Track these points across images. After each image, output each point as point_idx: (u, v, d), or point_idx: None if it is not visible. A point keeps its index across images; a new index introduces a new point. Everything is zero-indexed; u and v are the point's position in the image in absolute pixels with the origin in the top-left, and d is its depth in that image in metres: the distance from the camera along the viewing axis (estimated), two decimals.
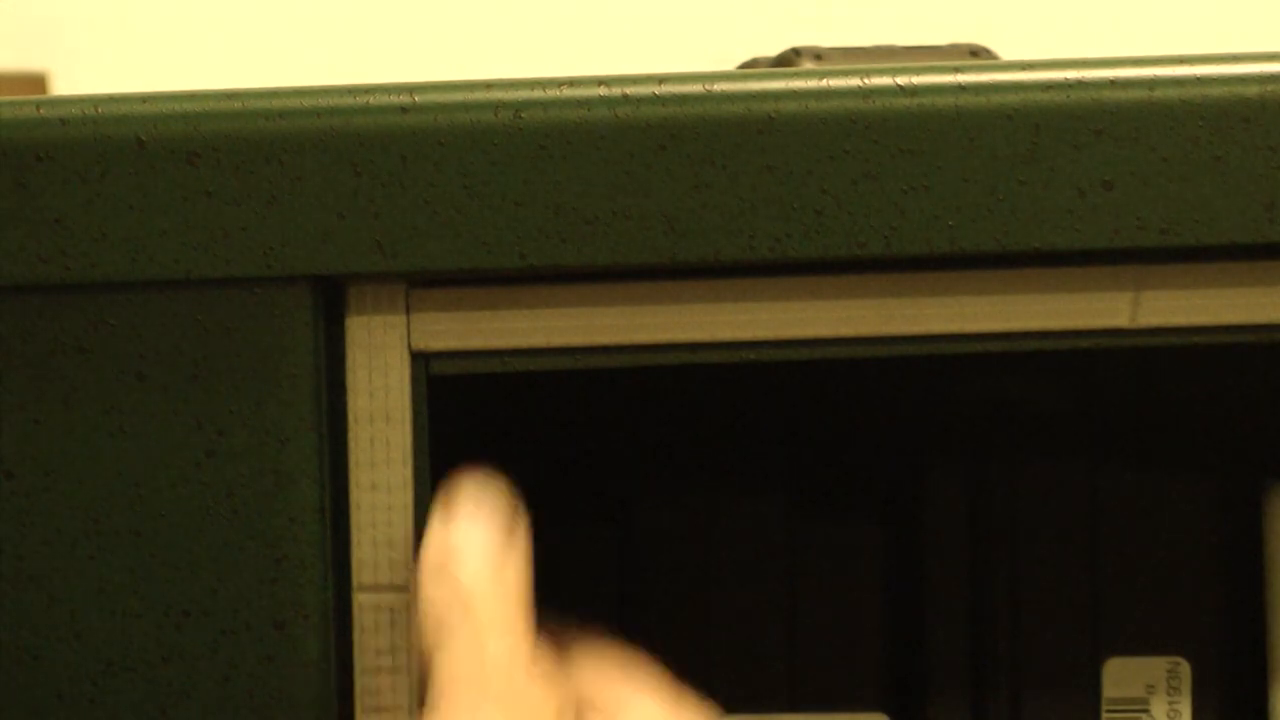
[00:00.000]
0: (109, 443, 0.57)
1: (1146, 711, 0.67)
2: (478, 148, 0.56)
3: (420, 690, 0.56)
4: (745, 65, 0.70)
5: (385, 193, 0.56)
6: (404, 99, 0.56)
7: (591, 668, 0.58)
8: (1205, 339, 0.58)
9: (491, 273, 0.57)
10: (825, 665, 0.69)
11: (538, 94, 0.56)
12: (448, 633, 0.55)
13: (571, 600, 0.70)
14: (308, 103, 0.56)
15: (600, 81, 0.57)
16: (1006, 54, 0.65)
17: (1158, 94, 0.56)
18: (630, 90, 0.56)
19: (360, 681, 0.58)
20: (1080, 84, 0.56)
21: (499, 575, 0.56)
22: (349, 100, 0.56)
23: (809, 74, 0.57)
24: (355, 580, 0.58)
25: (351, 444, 0.58)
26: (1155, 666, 0.67)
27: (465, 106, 0.56)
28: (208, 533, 0.57)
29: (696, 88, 0.56)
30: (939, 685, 0.68)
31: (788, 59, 0.67)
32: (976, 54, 0.66)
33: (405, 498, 0.58)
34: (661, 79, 0.57)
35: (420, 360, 0.58)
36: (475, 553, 0.56)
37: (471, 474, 0.57)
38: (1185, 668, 0.67)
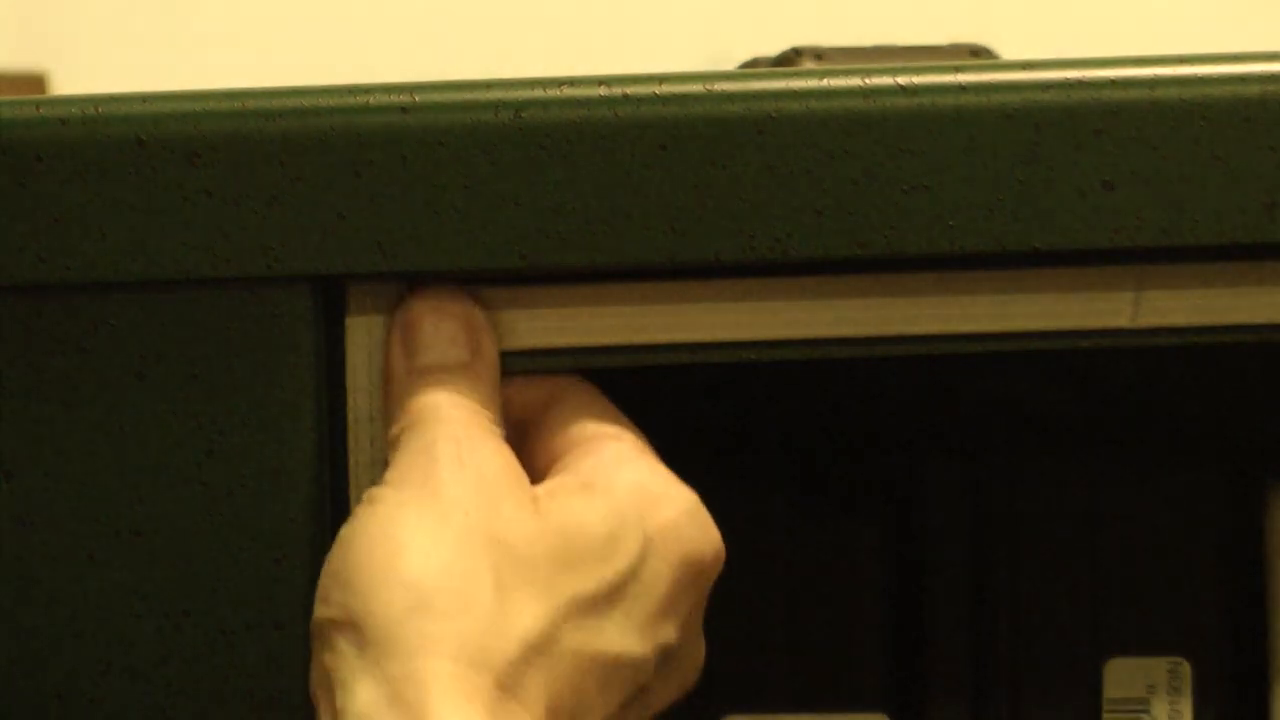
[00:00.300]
0: (109, 443, 0.57)
1: (1147, 711, 0.67)
2: (478, 148, 0.56)
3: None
4: (745, 65, 0.70)
5: (385, 193, 0.56)
6: (404, 99, 0.56)
7: (570, 430, 0.58)
8: (1205, 339, 0.58)
9: (492, 273, 0.57)
10: (825, 665, 0.69)
11: (538, 94, 0.56)
12: (406, 436, 0.56)
13: None
14: (308, 103, 0.56)
15: (600, 81, 0.56)
16: (1006, 54, 0.65)
17: (1158, 94, 0.56)
18: (630, 90, 0.56)
19: None
20: (1080, 84, 0.56)
21: (459, 397, 0.56)
22: (349, 100, 0.56)
23: (809, 74, 0.57)
24: None
25: (351, 444, 0.58)
26: (1155, 666, 0.67)
27: (465, 106, 0.56)
28: (208, 533, 0.57)
29: (696, 88, 0.56)
30: (939, 685, 0.68)
31: (788, 59, 0.67)
32: (976, 54, 0.66)
33: None
34: (661, 79, 0.56)
35: None
36: (436, 390, 0.56)
37: (426, 298, 0.57)
38: (1185, 668, 0.67)
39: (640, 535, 0.55)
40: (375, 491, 0.55)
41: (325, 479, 0.57)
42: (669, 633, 0.55)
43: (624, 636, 0.54)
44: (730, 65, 0.70)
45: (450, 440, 0.55)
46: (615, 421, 0.58)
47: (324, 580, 0.54)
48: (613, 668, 0.54)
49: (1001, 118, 0.56)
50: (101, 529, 0.57)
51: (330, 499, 0.58)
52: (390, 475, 0.55)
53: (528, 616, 0.52)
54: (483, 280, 0.57)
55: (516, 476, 0.55)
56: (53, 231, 0.56)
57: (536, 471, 0.57)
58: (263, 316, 0.57)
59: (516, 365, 0.58)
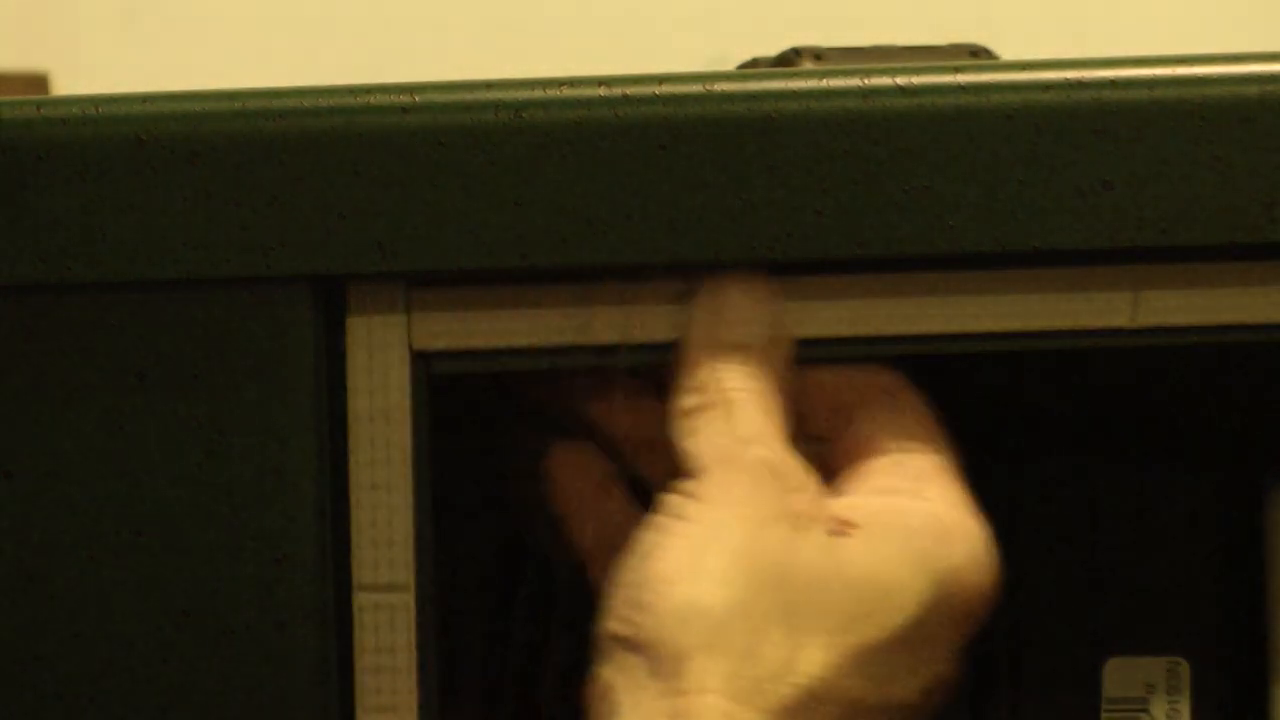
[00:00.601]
0: (109, 443, 0.57)
1: (1146, 711, 0.67)
2: (478, 148, 0.56)
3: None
4: (745, 65, 0.70)
5: (385, 193, 0.56)
6: (404, 99, 0.56)
7: (873, 437, 0.58)
8: (1205, 339, 0.58)
9: (491, 273, 0.57)
10: None
11: (538, 94, 0.56)
12: (706, 419, 0.56)
13: (570, 601, 0.70)
14: (308, 103, 0.56)
15: (600, 81, 0.57)
16: (1006, 54, 0.64)
17: (1158, 94, 0.56)
18: (630, 90, 0.56)
19: (360, 681, 0.58)
20: (1080, 84, 0.56)
21: (755, 383, 0.56)
22: (349, 100, 0.56)
23: (809, 74, 0.57)
24: (355, 580, 0.58)
25: (351, 444, 0.58)
26: (1155, 666, 0.67)
27: (465, 106, 0.56)
28: (208, 533, 0.57)
29: (696, 88, 0.56)
30: None
31: (788, 59, 0.67)
32: (976, 54, 0.66)
33: (405, 497, 0.58)
34: (661, 79, 0.57)
35: (420, 360, 0.58)
36: (734, 368, 0.56)
37: (738, 278, 0.57)
38: (1185, 668, 0.67)
39: (930, 580, 0.55)
40: (682, 506, 0.55)
41: (325, 479, 0.57)
42: (941, 668, 0.56)
43: (903, 682, 0.54)
44: (730, 65, 0.70)
45: (755, 444, 0.55)
46: (922, 432, 0.58)
47: (621, 592, 0.54)
48: (886, 710, 0.54)
49: (1001, 118, 0.56)
50: (101, 529, 0.57)
51: (330, 499, 0.58)
52: (696, 486, 0.55)
53: (812, 664, 0.53)
54: (483, 280, 0.58)
55: (817, 501, 0.55)
56: (53, 231, 0.56)
57: (831, 466, 0.57)
58: (263, 316, 0.57)
59: (516, 364, 0.58)
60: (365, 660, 0.58)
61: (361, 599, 0.58)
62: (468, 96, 0.56)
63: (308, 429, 0.57)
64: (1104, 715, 0.67)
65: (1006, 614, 0.68)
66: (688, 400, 0.57)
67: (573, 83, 0.57)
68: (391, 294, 0.58)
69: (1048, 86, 0.56)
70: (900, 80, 0.56)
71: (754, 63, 0.70)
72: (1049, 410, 0.69)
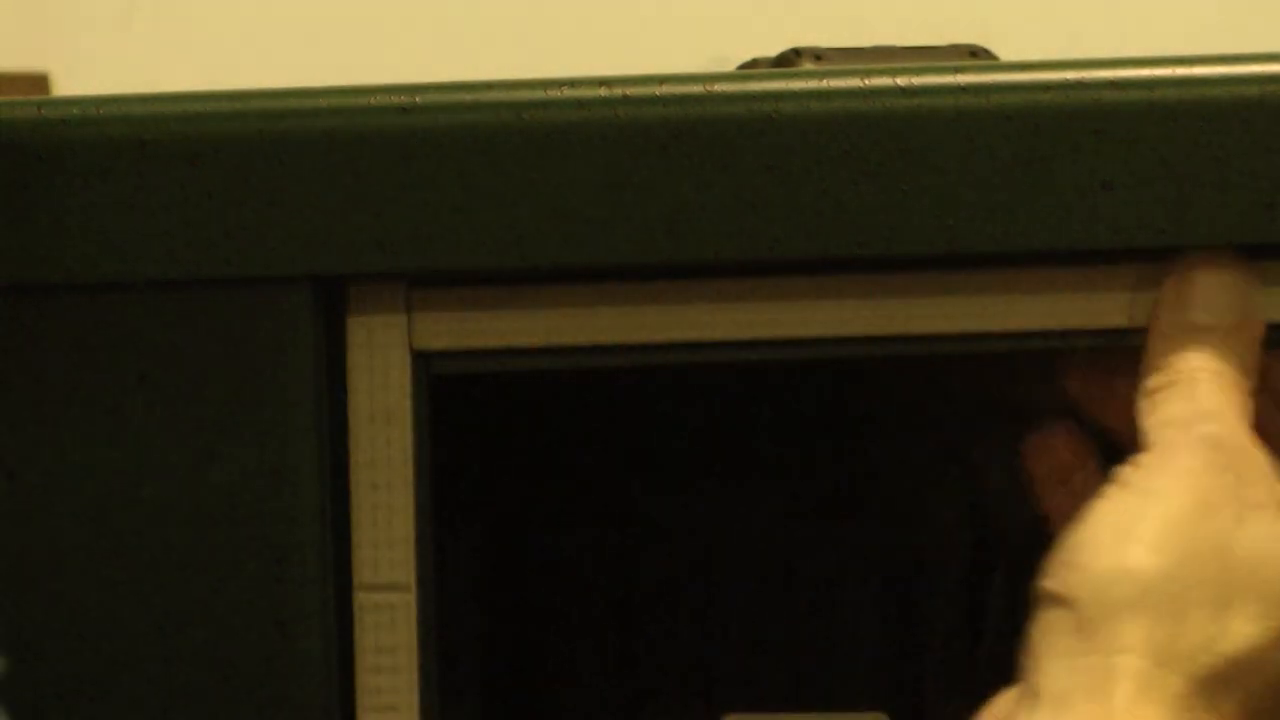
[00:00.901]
0: (109, 443, 0.57)
1: None
2: (478, 148, 0.56)
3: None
4: (745, 65, 0.70)
5: (385, 193, 0.56)
6: (404, 99, 0.56)
7: None
8: None
9: (491, 273, 0.57)
10: (825, 665, 0.69)
11: (538, 94, 0.56)
12: (1165, 396, 0.56)
13: (570, 600, 0.70)
14: (308, 103, 0.56)
15: (600, 81, 0.57)
16: (1006, 54, 0.65)
17: (1157, 94, 0.56)
18: (630, 90, 0.56)
19: (361, 681, 0.58)
20: (1080, 84, 0.56)
21: (1219, 364, 0.56)
22: (349, 100, 0.56)
23: (809, 74, 0.57)
24: (355, 580, 0.58)
25: (352, 444, 0.58)
26: None
27: (465, 106, 0.56)
28: (208, 533, 0.57)
29: (696, 88, 0.56)
30: (938, 685, 0.68)
31: (788, 59, 0.67)
32: (976, 54, 0.66)
33: (405, 497, 0.58)
34: (661, 79, 0.57)
35: (421, 360, 0.58)
36: (1200, 349, 0.57)
37: (1205, 259, 0.57)
38: None
39: None
40: (1126, 474, 0.55)
41: (325, 479, 0.57)
42: None
43: None
44: (730, 66, 0.70)
45: (1210, 421, 0.55)
46: None
47: (1057, 551, 0.54)
48: None
49: (1001, 118, 0.56)
50: (101, 529, 0.57)
51: (330, 499, 0.58)
52: (1145, 457, 0.55)
53: (1239, 637, 0.53)
54: (483, 280, 0.58)
55: (1270, 484, 0.55)
56: (53, 231, 0.56)
57: None
58: (263, 316, 0.57)
59: (516, 364, 0.58)
60: (366, 660, 0.58)
61: (361, 599, 0.58)
62: (468, 97, 0.56)
63: (308, 429, 0.57)
64: None
65: (1006, 614, 0.68)
66: (1153, 380, 0.57)
67: (573, 83, 0.57)
68: (392, 294, 0.58)
69: (1048, 86, 0.56)
70: (900, 80, 0.56)
71: (754, 63, 0.70)
72: (1047, 409, 0.69)
